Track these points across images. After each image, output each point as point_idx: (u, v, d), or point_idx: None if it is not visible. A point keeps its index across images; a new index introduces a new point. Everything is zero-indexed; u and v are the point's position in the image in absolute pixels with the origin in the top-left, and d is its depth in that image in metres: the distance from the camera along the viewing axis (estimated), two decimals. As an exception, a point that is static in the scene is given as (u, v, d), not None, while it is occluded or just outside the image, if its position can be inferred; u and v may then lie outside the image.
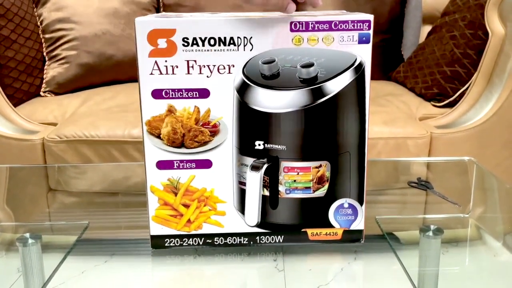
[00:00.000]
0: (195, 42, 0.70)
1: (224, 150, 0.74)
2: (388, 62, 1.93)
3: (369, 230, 0.80)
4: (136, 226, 0.90)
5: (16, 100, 1.66)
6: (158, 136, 0.74)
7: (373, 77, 1.53)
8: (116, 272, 0.75)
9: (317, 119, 0.72)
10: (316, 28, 0.70)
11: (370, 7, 1.89)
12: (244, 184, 0.75)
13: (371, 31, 0.71)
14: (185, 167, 0.75)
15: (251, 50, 0.71)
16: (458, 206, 0.95)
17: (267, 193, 0.75)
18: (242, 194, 0.75)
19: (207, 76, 0.71)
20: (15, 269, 0.76)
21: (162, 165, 0.75)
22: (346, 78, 0.71)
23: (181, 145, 0.74)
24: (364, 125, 0.74)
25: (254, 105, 0.72)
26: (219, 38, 0.70)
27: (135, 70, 0.72)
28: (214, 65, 0.71)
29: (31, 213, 1.01)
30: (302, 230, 0.77)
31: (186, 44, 0.70)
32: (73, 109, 1.60)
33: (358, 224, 0.78)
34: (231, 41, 0.70)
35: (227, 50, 0.70)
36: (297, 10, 0.74)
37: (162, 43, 0.70)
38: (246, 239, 0.78)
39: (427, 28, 1.84)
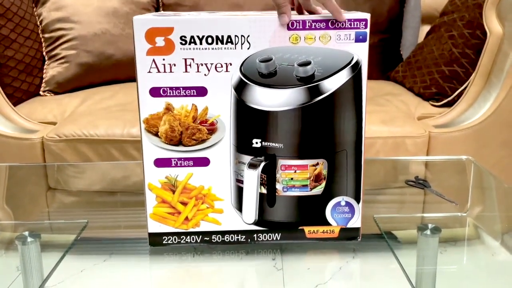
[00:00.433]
0: (192, 40, 0.70)
1: (221, 148, 0.74)
2: (387, 62, 1.93)
3: (367, 229, 0.81)
4: (135, 225, 0.90)
5: (16, 99, 1.66)
6: (156, 134, 0.74)
7: (372, 77, 1.54)
8: (115, 271, 0.76)
9: (314, 117, 0.72)
10: (313, 27, 0.70)
11: (369, 7, 1.89)
12: (242, 182, 0.75)
13: (367, 30, 0.71)
14: (182, 165, 0.75)
15: (248, 48, 0.71)
16: (456, 205, 0.96)
17: (264, 191, 0.75)
18: (239, 192, 0.76)
19: (205, 74, 0.72)
20: (14, 268, 0.76)
21: (160, 163, 0.75)
22: (343, 77, 0.71)
23: (179, 143, 0.74)
24: (361, 123, 0.74)
25: (251, 103, 0.72)
26: (217, 37, 0.70)
27: (134, 70, 0.72)
28: (211, 64, 0.71)
29: (30, 212, 1.01)
30: (299, 228, 0.78)
31: (183, 42, 0.70)
32: (72, 108, 1.60)
33: (355, 222, 0.78)
34: (229, 40, 0.70)
35: (225, 48, 0.71)
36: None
37: (160, 41, 0.70)
38: (244, 236, 0.78)
39: (426, 28, 1.84)
